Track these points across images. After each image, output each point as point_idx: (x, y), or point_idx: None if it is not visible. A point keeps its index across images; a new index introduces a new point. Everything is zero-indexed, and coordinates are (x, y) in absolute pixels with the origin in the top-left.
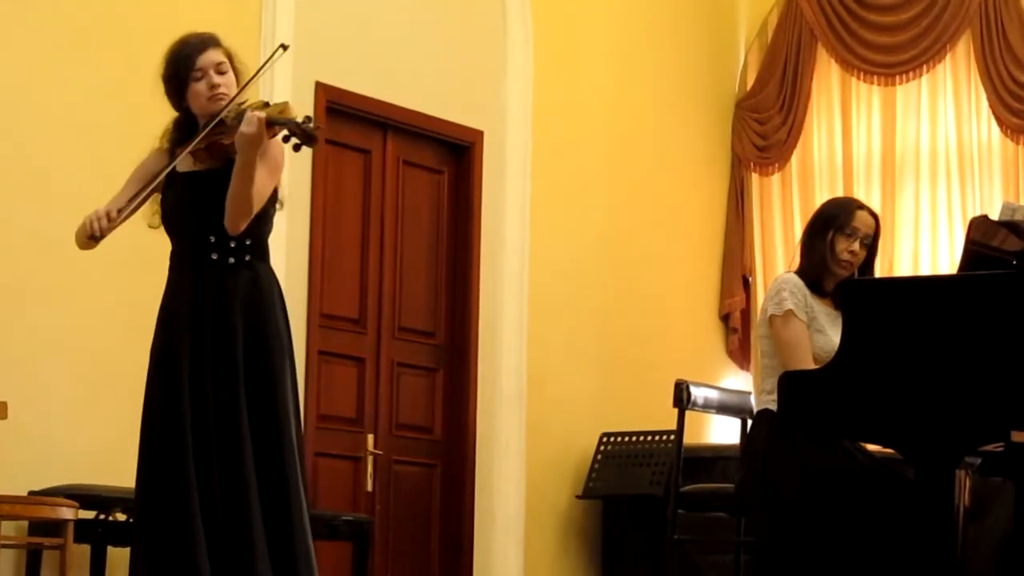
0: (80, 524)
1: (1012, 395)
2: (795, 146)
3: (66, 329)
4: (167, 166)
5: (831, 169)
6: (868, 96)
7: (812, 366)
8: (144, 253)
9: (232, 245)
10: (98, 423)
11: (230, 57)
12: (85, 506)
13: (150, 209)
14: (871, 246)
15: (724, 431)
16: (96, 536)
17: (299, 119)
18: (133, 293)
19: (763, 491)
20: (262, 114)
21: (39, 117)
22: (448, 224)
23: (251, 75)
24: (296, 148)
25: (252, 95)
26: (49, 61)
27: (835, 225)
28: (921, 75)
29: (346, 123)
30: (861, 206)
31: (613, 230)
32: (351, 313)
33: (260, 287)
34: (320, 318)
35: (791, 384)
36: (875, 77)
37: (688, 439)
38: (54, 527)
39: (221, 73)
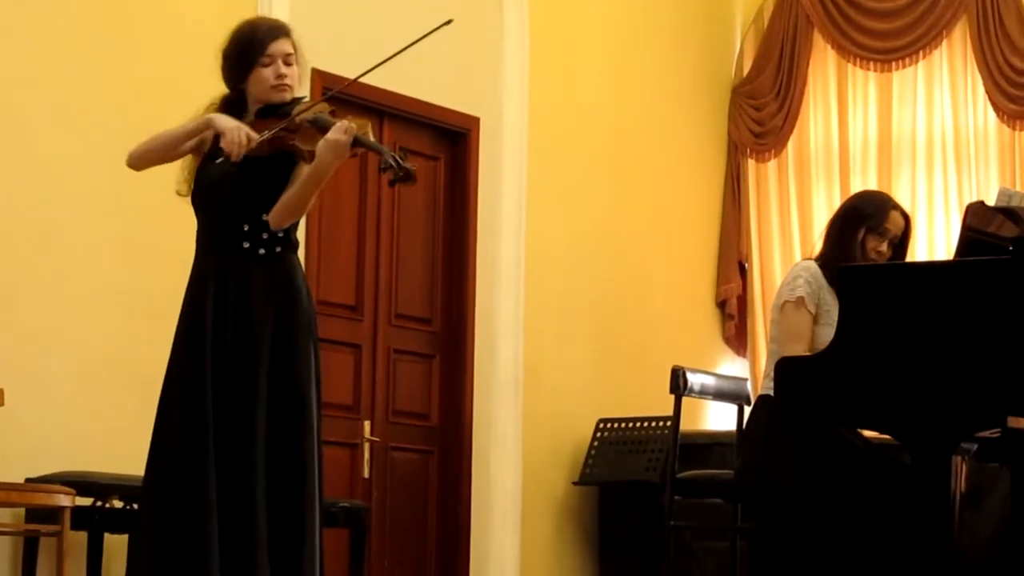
0: (77, 511)
1: (1008, 381)
2: (791, 132)
3: (63, 316)
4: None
5: (827, 155)
6: (864, 82)
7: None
8: (142, 242)
9: (264, 236)
10: (95, 410)
11: (295, 49)
12: (82, 493)
13: (183, 174)
14: (899, 245)
15: (720, 417)
16: (93, 523)
17: (393, 152)
18: (131, 281)
19: (761, 476)
20: (353, 126)
21: (37, 109)
22: (444, 211)
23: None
24: (391, 183)
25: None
26: (46, 54)
27: (868, 224)
28: (917, 61)
29: (342, 110)
30: (895, 206)
31: (609, 217)
32: (347, 300)
33: (288, 278)
34: (317, 305)
35: (788, 370)
36: (871, 63)
37: (684, 425)
38: (51, 514)
39: (288, 64)
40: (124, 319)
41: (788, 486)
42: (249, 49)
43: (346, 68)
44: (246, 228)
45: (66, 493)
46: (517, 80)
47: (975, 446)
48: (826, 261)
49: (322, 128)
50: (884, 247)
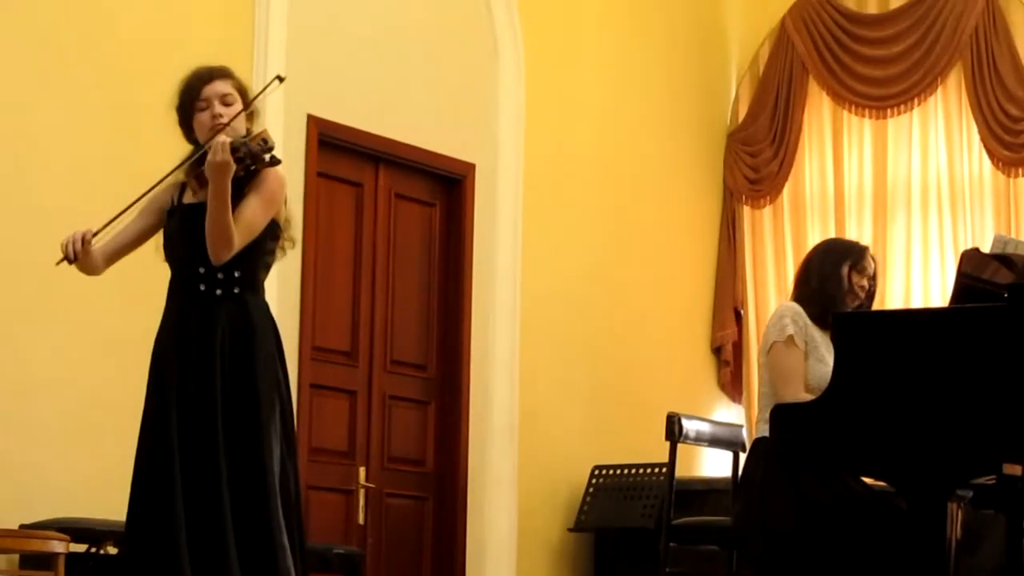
0: (71, 557)
1: (1004, 427)
2: (787, 178)
3: (56, 362)
4: (172, 197)
5: (823, 202)
6: (859, 129)
7: (803, 396)
8: (134, 286)
9: (220, 276)
10: (89, 456)
11: (241, 90)
12: (76, 539)
13: (159, 240)
14: (869, 289)
15: (716, 464)
16: (87, 569)
17: (255, 144)
18: (123, 327)
19: (759, 520)
20: (226, 139)
21: (36, 154)
22: (440, 257)
23: (252, 103)
24: (249, 169)
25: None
26: (44, 96)
27: (850, 260)
28: (912, 108)
29: (338, 156)
30: (867, 247)
31: (605, 263)
32: (343, 346)
33: (248, 320)
34: (312, 351)
35: (783, 416)
36: (866, 110)
37: (680, 472)
38: (45, 560)
39: (227, 104)
40: (118, 364)
41: (787, 531)
42: (186, 98)
43: (341, 114)
44: (201, 271)
45: (60, 539)
46: (513, 127)
47: (971, 493)
48: (807, 301)
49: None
50: (865, 283)
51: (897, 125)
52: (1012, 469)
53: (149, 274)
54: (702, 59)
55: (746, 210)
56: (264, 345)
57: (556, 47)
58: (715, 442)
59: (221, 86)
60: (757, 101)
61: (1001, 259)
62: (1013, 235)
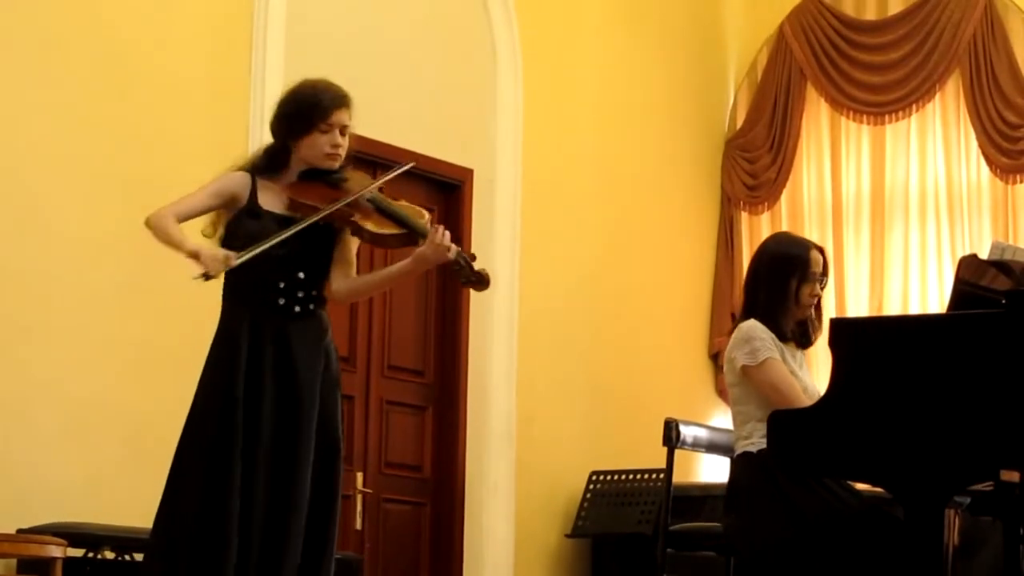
0: (68, 562)
1: (1001, 434)
2: (785, 185)
3: (56, 367)
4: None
5: (820, 208)
6: (857, 135)
7: (805, 400)
8: (135, 293)
9: (300, 295)
10: (88, 461)
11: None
12: (74, 544)
13: (210, 218)
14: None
15: (713, 470)
16: (85, 574)
17: (469, 259)
18: (123, 332)
19: (751, 535)
20: (452, 246)
21: (36, 161)
22: None
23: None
24: (464, 284)
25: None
26: (44, 107)
27: (796, 274)
28: (910, 114)
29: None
30: (812, 245)
31: (602, 268)
32: (341, 351)
33: (322, 335)
34: None
35: (780, 424)
36: (864, 116)
37: (677, 478)
38: (43, 565)
39: (343, 135)
40: (117, 370)
41: (779, 542)
42: (311, 112)
43: None
44: (282, 286)
45: (58, 544)
46: (511, 132)
47: (968, 499)
48: (763, 316)
49: (385, 212)
50: (818, 288)
51: (895, 132)
52: (1010, 475)
53: (149, 277)
54: (700, 65)
55: (744, 216)
56: (336, 358)
57: (554, 53)
58: (713, 448)
59: (346, 115)
60: (755, 107)
61: (999, 266)
62: (1011, 242)
